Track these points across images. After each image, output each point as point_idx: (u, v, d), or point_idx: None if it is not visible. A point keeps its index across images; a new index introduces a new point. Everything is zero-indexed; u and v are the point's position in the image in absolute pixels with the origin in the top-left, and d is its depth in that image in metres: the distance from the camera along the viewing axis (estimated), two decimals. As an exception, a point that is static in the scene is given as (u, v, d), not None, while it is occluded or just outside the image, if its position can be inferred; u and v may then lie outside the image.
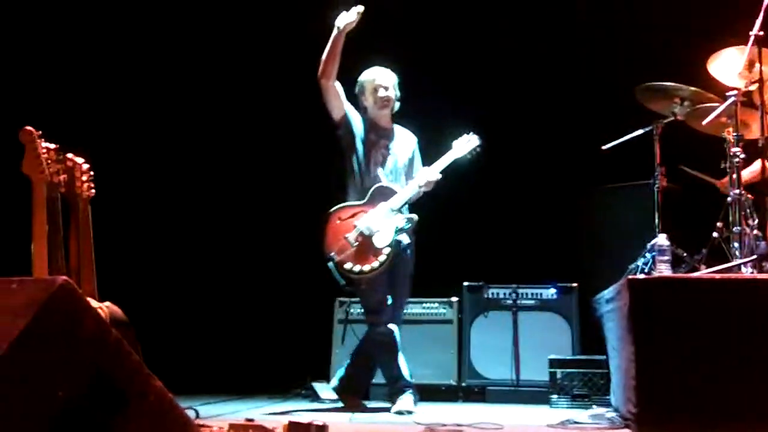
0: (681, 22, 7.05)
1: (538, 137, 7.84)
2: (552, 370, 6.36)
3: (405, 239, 5.88)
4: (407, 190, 5.86)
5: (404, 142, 6.08)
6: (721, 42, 5.68)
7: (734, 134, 5.41)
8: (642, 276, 5.22)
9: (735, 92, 5.37)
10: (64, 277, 2.90)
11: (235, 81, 8.05)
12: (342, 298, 6.89)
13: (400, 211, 5.81)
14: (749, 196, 5.41)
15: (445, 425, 4.60)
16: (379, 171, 5.93)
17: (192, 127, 8.04)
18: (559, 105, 7.77)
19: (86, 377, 2.82)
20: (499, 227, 7.91)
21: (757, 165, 5.44)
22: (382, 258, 5.65)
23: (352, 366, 6.09)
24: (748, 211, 5.36)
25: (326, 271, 5.70)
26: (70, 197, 3.92)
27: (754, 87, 5.39)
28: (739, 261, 5.10)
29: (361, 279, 5.68)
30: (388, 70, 6.04)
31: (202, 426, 4.00)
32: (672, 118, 6.00)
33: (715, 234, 5.62)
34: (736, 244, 5.28)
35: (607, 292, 5.17)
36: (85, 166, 4.01)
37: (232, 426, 3.86)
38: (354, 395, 6.02)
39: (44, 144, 3.73)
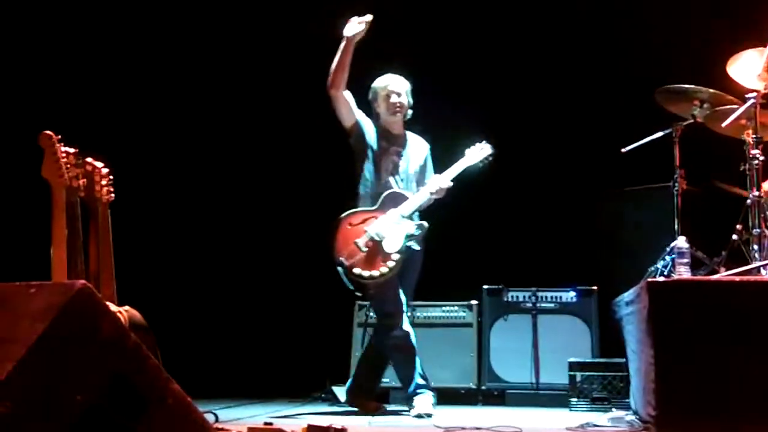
0: (700, 25, 7.02)
1: (558, 140, 7.82)
2: (571, 373, 6.35)
3: (416, 246, 5.87)
4: (418, 197, 5.86)
5: (416, 148, 6.09)
6: (741, 44, 5.65)
7: (754, 136, 5.38)
8: (661, 279, 5.21)
9: (754, 94, 5.34)
10: (83, 282, 2.91)
11: (256, 87, 8.06)
12: (361, 302, 6.90)
13: (410, 217, 5.81)
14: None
15: (464, 428, 4.59)
16: (391, 178, 5.94)
17: (213, 133, 8.06)
18: (578, 107, 7.76)
19: (105, 381, 2.83)
20: (518, 230, 7.90)
21: None
22: (391, 264, 5.64)
23: (359, 373, 6.14)
24: (767, 213, 5.33)
25: (345, 276, 5.74)
26: (89, 201, 3.94)
27: (773, 89, 5.37)
28: (758, 263, 5.07)
29: (370, 284, 5.68)
30: (401, 77, 6.05)
31: (221, 430, 4.01)
32: (691, 121, 5.98)
33: (734, 236, 5.60)
34: (755, 247, 5.26)
35: (627, 295, 5.15)
36: (105, 171, 4.03)
37: (251, 429, 3.87)
38: (368, 399, 6.01)
39: (63, 148, 3.75)
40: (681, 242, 5.35)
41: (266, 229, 8.07)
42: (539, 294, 7.01)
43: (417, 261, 5.96)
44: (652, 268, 5.83)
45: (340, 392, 6.40)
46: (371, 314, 6.68)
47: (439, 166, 6.05)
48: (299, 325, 7.82)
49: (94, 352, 2.84)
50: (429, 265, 7.36)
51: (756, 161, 5.36)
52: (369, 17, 5.67)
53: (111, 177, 4.04)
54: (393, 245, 5.67)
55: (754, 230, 5.28)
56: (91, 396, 2.79)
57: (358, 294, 5.76)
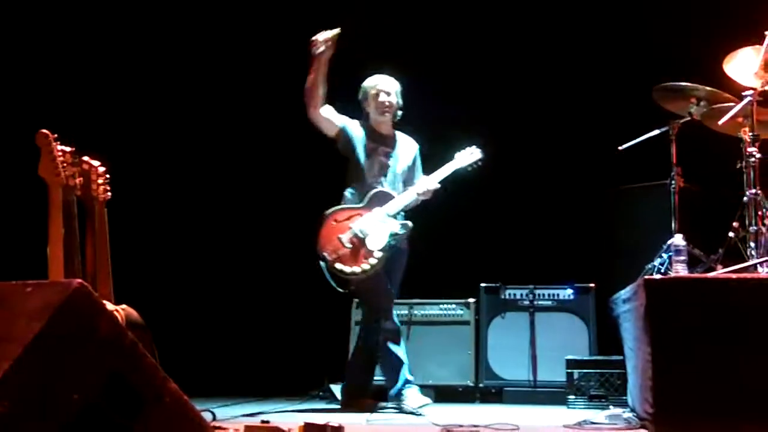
0: (697, 22, 7.02)
1: (555, 138, 7.82)
2: (569, 370, 6.35)
3: (402, 245, 5.95)
4: (405, 197, 5.93)
5: (405, 148, 6.14)
6: (738, 42, 5.66)
7: (750, 134, 5.39)
8: (658, 276, 5.21)
9: (751, 92, 5.35)
10: (80, 280, 2.91)
11: (253, 87, 8.06)
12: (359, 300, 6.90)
13: (396, 216, 5.87)
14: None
15: (461, 426, 4.59)
16: (378, 178, 6.00)
17: (211, 131, 8.06)
18: (575, 105, 7.75)
19: (102, 380, 2.83)
20: (515, 228, 7.90)
21: None
22: (373, 261, 5.71)
23: (350, 374, 6.15)
24: (764, 210, 5.33)
25: (343, 274, 5.75)
26: (86, 200, 3.95)
27: (770, 86, 5.38)
28: (755, 261, 5.08)
29: (351, 280, 5.73)
30: (391, 78, 6.10)
31: (218, 428, 4.01)
32: (688, 118, 5.98)
33: (731, 234, 5.60)
34: (752, 244, 5.27)
35: (624, 293, 5.15)
36: (101, 169, 4.03)
37: (248, 428, 3.87)
38: (362, 398, 6.02)
39: (60, 147, 3.75)
40: (678, 240, 5.35)
41: (263, 227, 8.07)
42: (537, 292, 7.01)
43: (402, 260, 6.04)
44: (649, 266, 5.83)
45: (338, 390, 6.41)
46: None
47: (438, 165, 6.08)
48: (297, 323, 7.82)
49: (91, 351, 2.84)
50: (426, 263, 7.40)
51: (753, 159, 5.36)
52: (335, 31, 5.73)
53: (108, 176, 4.05)
54: (376, 243, 5.73)
55: (751, 228, 5.29)
56: (88, 395, 2.79)
57: (340, 290, 5.79)
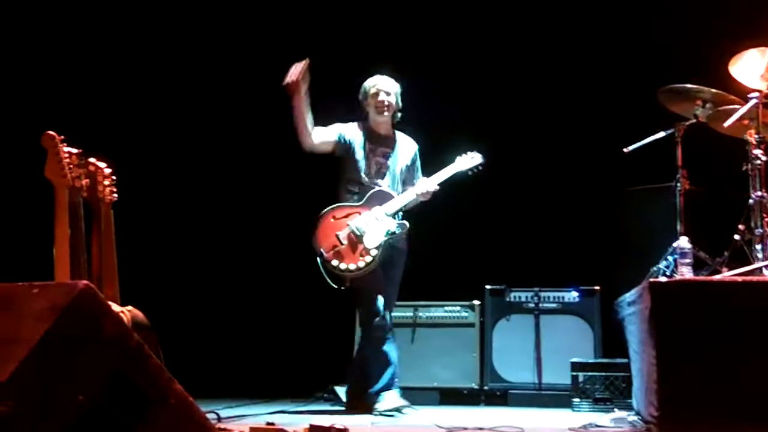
0: (702, 24, 7.01)
1: (560, 140, 7.82)
2: (574, 373, 6.36)
3: (401, 245, 5.98)
4: (404, 197, 5.99)
5: (404, 148, 6.19)
6: (743, 44, 5.65)
7: (756, 136, 5.39)
8: (663, 279, 5.20)
9: (757, 94, 5.35)
10: (86, 282, 2.92)
11: (259, 90, 8.05)
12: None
13: (394, 216, 5.92)
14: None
15: (466, 428, 4.60)
16: (377, 179, 6.04)
17: (218, 134, 8.06)
18: (581, 108, 7.75)
19: (107, 381, 2.83)
20: (520, 230, 7.89)
21: None
22: (368, 258, 5.78)
23: (351, 378, 6.20)
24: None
25: (348, 275, 5.78)
26: (92, 202, 3.95)
27: (775, 88, 5.37)
28: (761, 263, 5.07)
29: (346, 276, 5.77)
30: (391, 79, 6.13)
31: (223, 429, 4.02)
32: (694, 121, 5.96)
33: (736, 236, 5.58)
34: (758, 247, 5.25)
35: (629, 295, 5.15)
36: (108, 171, 4.04)
37: (252, 429, 3.88)
38: (366, 400, 6.02)
39: (66, 149, 3.75)
40: (683, 242, 5.35)
41: (269, 229, 8.07)
42: (542, 294, 7.01)
43: (400, 260, 6.08)
44: (655, 269, 5.82)
45: (342, 392, 6.41)
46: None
47: (442, 167, 6.10)
48: (302, 324, 7.82)
49: (97, 352, 2.85)
50: (431, 265, 7.40)
51: (758, 161, 5.36)
52: (305, 63, 5.77)
53: (114, 177, 4.05)
54: (372, 241, 5.79)
55: (757, 230, 5.28)
56: (94, 396, 2.80)
57: (335, 286, 5.82)
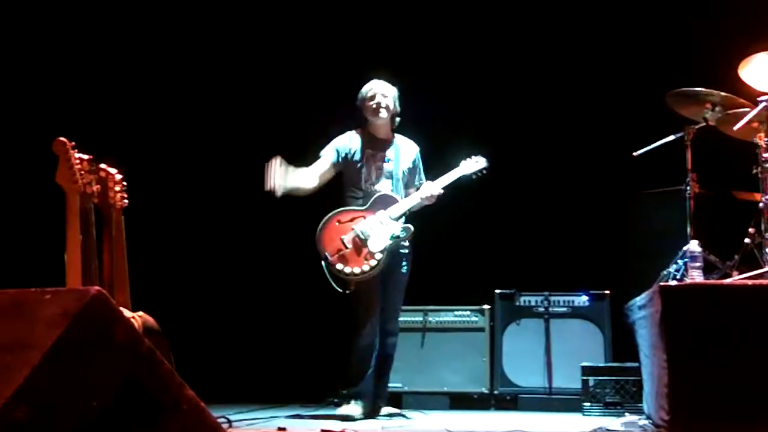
0: (712, 28, 7.01)
1: (569, 144, 7.81)
2: (584, 377, 6.35)
3: (403, 249, 5.97)
4: (408, 201, 6.01)
5: (405, 151, 6.20)
6: (752, 47, 5.65)
7: (766, 139, 5.38)
8: (674, 283, 5.19)
9: (766, 97, 5.35)
10: (98, 288, 2.92)
11: (270, 96, 8.08)
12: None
13: (398, 220, 5.92)
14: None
15: (476, 433, 4.61)
16: (378, 183, 6.06)
17: (231, 140, 8.07)
18: (590, 112, 7.74)
19: (119, 387, 2.84)
20: (530, 235, 7.89)
21: None
22: (373, 262, 5.79)
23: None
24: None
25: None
26: (103, 208, 3.96)
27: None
28: (771, 267, 5.06)
29: (351, 280, 5.78)
30: (387, 83, 6.13)
31: (235, 434, 4.02)
32: (703, 124, 5.96)
33: (747, 240, 5.58)
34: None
35: (639, 299, 5.14)
36: (118, 177, 4.05)
37: (264, 434, 3.89)
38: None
39: (77, 155, 3.76)
40: (693, 246, 5.34)
41: (281, 235, 8.08)
42: (552, 298, 7.00)
43: (403, 263, 6.05)
44: (665, 272, 5.81)
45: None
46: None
47: (449, 170, 6.12)
48: (312, 329, 7.82)
49: (109, 358, 2.85)
50: (441, 270, 7.40)
51: (768, 164, 5.35)
52: (275, 162, 5.82)
53: (125, 183, 4.06)
54: (377, 244, 5.80)
55: (767, 234, 5.27)
56: (106, 401, 2.80)
57: (340, 290, 5.82)
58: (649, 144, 6.16)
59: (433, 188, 5.99)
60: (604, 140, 7.46)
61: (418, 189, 6.09)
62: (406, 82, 6.28)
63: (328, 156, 6.09)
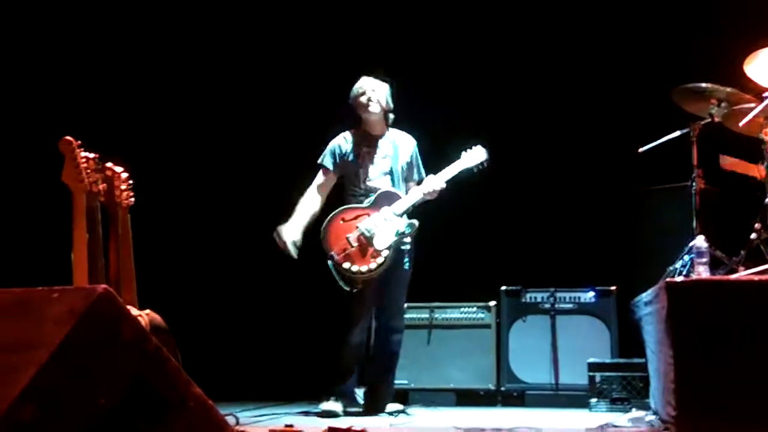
0: (717, 23, 7.00)
1: (575, 140, 7.80)
2: (591, 373, 6.34)
3: (404, 245, 5.96)
4: (411, 197, 5.96)
5: (402, 146, 6.16)
6: (758, 43, 5.64)
7: (772, 135, 5.38)
8: (680, 278, 5.19)
9: (772, 92, 5.34)
10: (104, 286, 2.94)
11: (277, 95, 8.08)
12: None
13: (402, 216, 5.89)
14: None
15: (484, 429, 4.60)
16: (377, 179, 6.04)
17: (237, 139, 8.07)
18: (596, 108, 7.73)
19: (126, 385, 2.85)
20: (536, 231, 7.88)
21: None
22: (380, 260, 5.77)
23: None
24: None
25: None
26: (109, 206, 3.97)
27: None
28: (777, 262, 5.06)
29: (358, 278, 5.78)
30: (378, 80, 6.11)
31: (242, 432, 4.03)
32: (709, 120, 5.95)
33: (753, 236, 5.57)
34: (774, 245, 5.25)
35: (646, 295, 5.14)
36: (125, 175, 4.05)
37: (271, 432, 3.89)
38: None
39: (84, 153, 3.77)
40: (700, 242, 5.33)
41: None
42: (558, 295, 7.00)
43: (404, 260, 6.01)
44: (671, 268, 5.81)
45: (360, 394, 6.42)
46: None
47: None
48: (319, 326, 7.82)
49: (116, 356, 2.86)
50: (447, 267, 7.40)
51: (774, 159, 5.35)
52: (278, 234, 5.96)
53: (131, 182, 4.07)
54: (383, 242, 5.79)
55: (773, 229, 5.28)
56: (113, 399, 2.81)
57: (347, 288, 5.82)
58: (655, 140, 6.16)
59: (435, 182, 5.95)
60: (609, 136, 7.45)
61: (417, 183, 6.08)
62: (408, 77, 6.28)
63: (326, 166, 6.09)
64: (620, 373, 6.28)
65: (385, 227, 5.82)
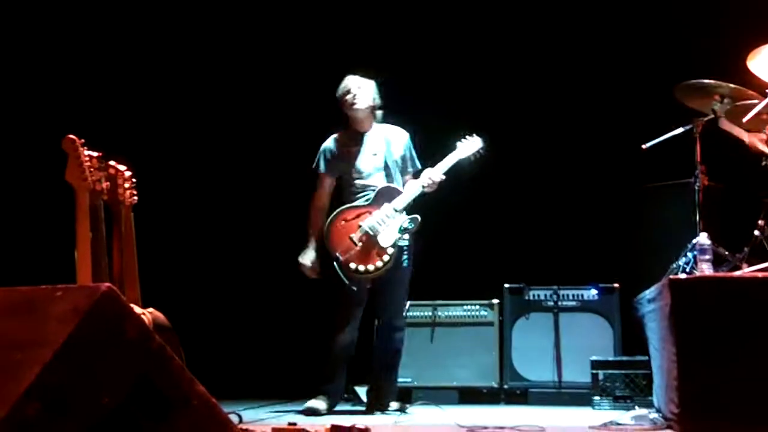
0: (720, 19, 6.99)
1: (578, 137, 7.80)
2: (594, 371, 6.35)
3: (402, 242, 5.95)
4: (411, 191, 5.95)
5: (394, 140, 6.14)
6: (761, 38, 5.63)
7: (775, 131, 5.37)
8: (683, 275, 5.19)
9: (775, 89, 5.33)
10: (108, 284, 2.93)
11: (280, 94, 8.08)
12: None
13: (403, 211, 5.88)
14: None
15: (486, 427, 4.60)
16: (372, 176, 6.04)
17: (239, 138, 8.08)
18: (598, 104, 7.73)
19: (130, 383, 2.85)
20: (539, 228, 7.88)
21: None
22: (386, 257, 5.79)
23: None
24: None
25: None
26: (112, 205, 3.97)
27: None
28: (781, 259, 5.05)
29: (365, 278, 5.80)
30: (362, 77, 6.10)
31: (245, 430, 4.03)
32: (712, 116, 5.95)
33: (756, 232, 5.57)
34: (777, 242, 5.24)
35: (649, 292, 5.14)
36: (128, 174, 4.06)
37: (275, 430, 3.90)
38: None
39: (87, 152, 3.77)
40: (703, 239, 5.33)
41: (290, 231, 8.07)
42: (561, 292, 7.00)
43: (402, 256, 5.99)
44: (674, 265, 5.80)
45: (363, 392, 6.43)
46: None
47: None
48: (323, 325, 7.82)
49: (120, 355, 2.86)
50: (450, 264, 7.40)
51: (778, 155, 5.34)
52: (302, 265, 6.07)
53: (134, 180, 4.07)
54: (387, 239, 5.80)
55: (776, 226, 5.27)
56: (117, 397, 2.81)
57: (354, 288, 5.81)
58: (658, 136, 6.15)
59: (433, 174, 5.93)
60: (612, 133, 7.44)
61: (414, 176, 6.07)
62: (410, 72, 6.27)
63: (320, 169, 6.11)
64: (623, 371, 6.28)
65: (388, 224, 5.82)
